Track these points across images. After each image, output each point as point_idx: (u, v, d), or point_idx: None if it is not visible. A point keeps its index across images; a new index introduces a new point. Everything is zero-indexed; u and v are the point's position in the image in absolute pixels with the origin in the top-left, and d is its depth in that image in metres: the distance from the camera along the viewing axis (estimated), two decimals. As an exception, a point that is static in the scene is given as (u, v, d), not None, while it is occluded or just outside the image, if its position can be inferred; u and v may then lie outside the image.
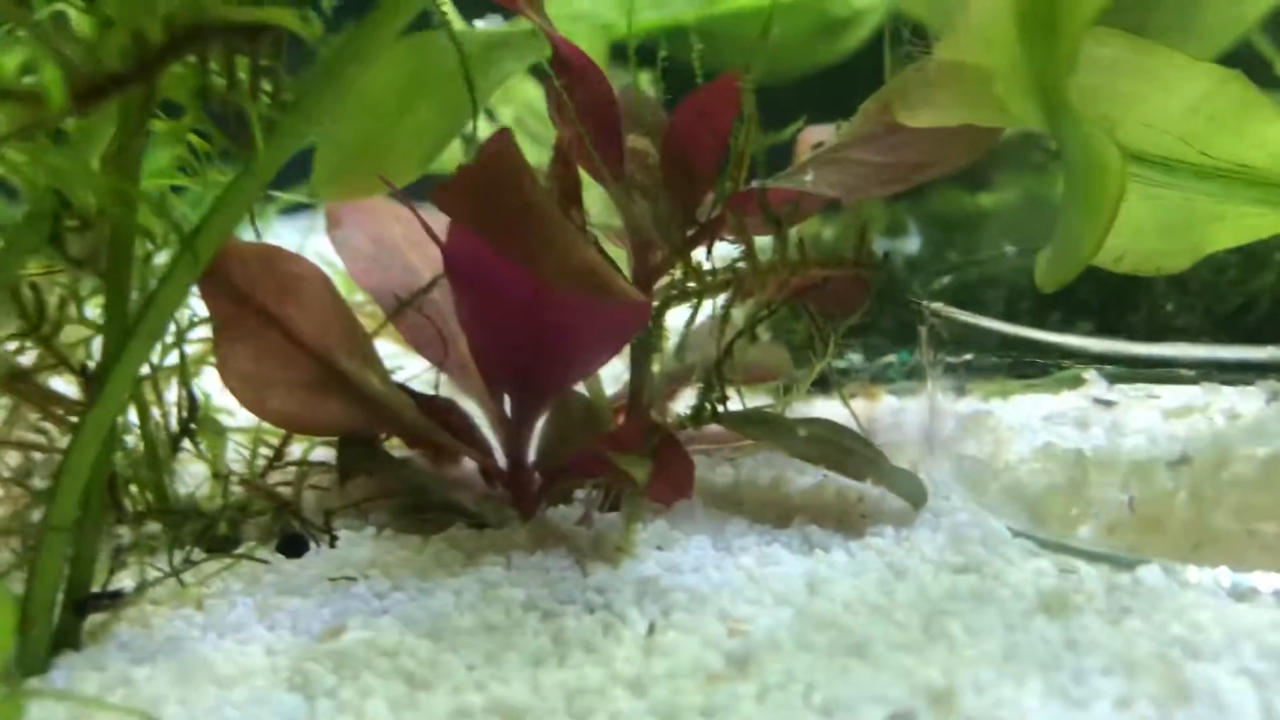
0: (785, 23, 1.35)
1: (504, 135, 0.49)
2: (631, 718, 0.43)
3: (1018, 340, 0.57)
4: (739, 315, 0.66)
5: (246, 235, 0.65)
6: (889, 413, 0.76)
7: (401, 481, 0.65)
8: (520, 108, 1.03)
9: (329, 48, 0.47)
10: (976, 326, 0.60)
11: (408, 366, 0.72)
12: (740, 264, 0.62)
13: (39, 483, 0.59)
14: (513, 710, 0.44)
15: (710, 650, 0.47)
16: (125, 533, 0.60)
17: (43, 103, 0.38)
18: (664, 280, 0.65)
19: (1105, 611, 0.48)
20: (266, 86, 0.50)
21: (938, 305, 0.59)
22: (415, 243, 0.77)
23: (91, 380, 0.54)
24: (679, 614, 0.50)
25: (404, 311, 0.70)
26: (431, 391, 0.68)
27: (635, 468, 0.54)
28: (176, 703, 0.46)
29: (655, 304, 0.63)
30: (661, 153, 0.63)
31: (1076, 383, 0.72)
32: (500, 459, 0.66)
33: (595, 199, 0.68)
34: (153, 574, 0.56)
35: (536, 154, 1.16)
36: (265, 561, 0.58)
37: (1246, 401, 0.61)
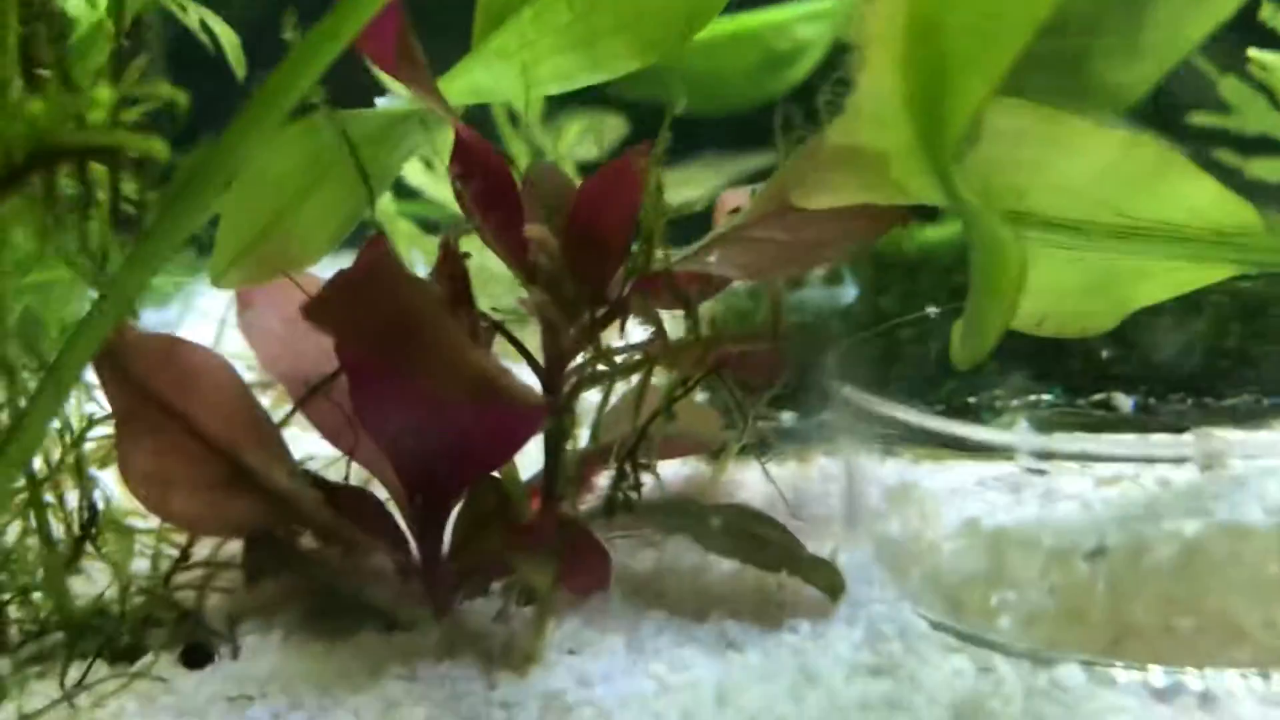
0: (727, 57, 1.34)
1: (379, 242, 0.47)
2: None
3: (930, 433, 0.55)
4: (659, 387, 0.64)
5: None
6: (820, 479, 0.74)
7: (311, 580, 0.63)
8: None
9: (183, 168, 0.45)
10: (888, 417, 0.58)
11: (324, 450, 0.70)
12: (651, 344, 0.60)
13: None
14: None
15: (610, 777, 0.45)
16: (5, 664, 0.58)
17: None
18: (578, 359, 0.64)
19: (1022, 719, 0.46)
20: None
21: (848, 390, 0.58)
22: (330, 320, 0.75)
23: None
24: (583, 734, 0.48)
25: (314, 398, 0.68)
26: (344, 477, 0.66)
27: (539, 573, 0.52)
28: None
29: (566, 389, 0.61)
30: (567, 234, 0.61)
31: (1009, 452, 0.70)
32: (414, 553, 0.64)
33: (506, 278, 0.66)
34: (40, 702, 0.54)
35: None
36: (163, 680, 0.56)
37: (1179, 471, 0.60)
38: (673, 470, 0.75)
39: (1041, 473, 0.66)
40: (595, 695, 0.51)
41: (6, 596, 0.59)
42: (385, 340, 0.47)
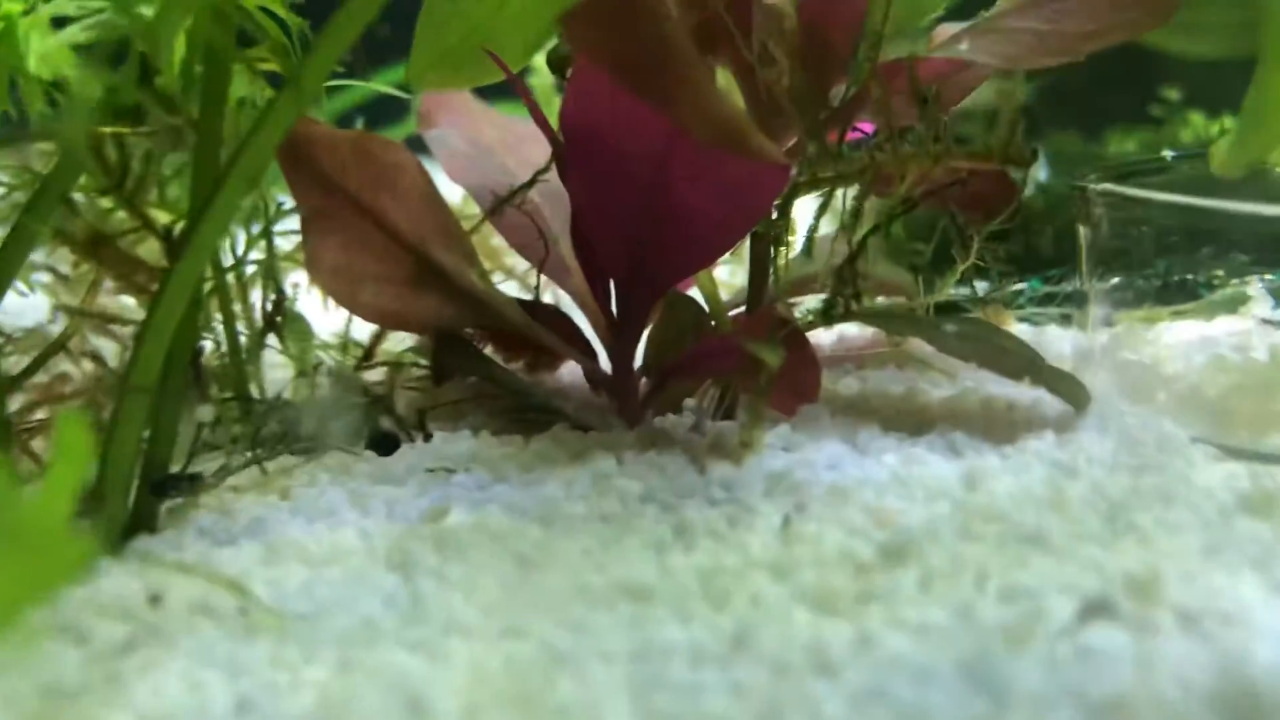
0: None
1: (638, -34, 0.44)
2: (778, 603, 0.38)
3: (1200, 213, 0.50)
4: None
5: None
6: (1023, 336, 0.70)
7: (500, 384, 0.60)
8: None
9: None
10: (1153, 203, 0.53)
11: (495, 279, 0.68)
12: (878, 150, 0.56)
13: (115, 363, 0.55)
14: (640, 589, 0.39)
15: (858, 539, 0.41)
16: (208, 415, 0.56)
17: None
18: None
19: (1318, 514, 0.41)
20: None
21: (1107, 185, 0.53)
22: (512, 147, 0.72)
23: (178, 242, 0.50)
24: (817, 506, 0.44)
25: (502, 211, 0.65)
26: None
27: (768, 352, 0.48)
28: (264, 582, 0.42)
29: (783, 192, 0.57)
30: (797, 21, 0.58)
31: (1236, 303, 0.65)
32: (605, 364, 0.61)
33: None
34: (237, 461, 0.52)
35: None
36: (355, 453, 0.53)
37: None
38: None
39: (1277, 324, 0.61)
40: (824, 478, 0.47)
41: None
42: (637, 64, 0.44)
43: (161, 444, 0.49)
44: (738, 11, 0.56)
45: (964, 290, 0.77)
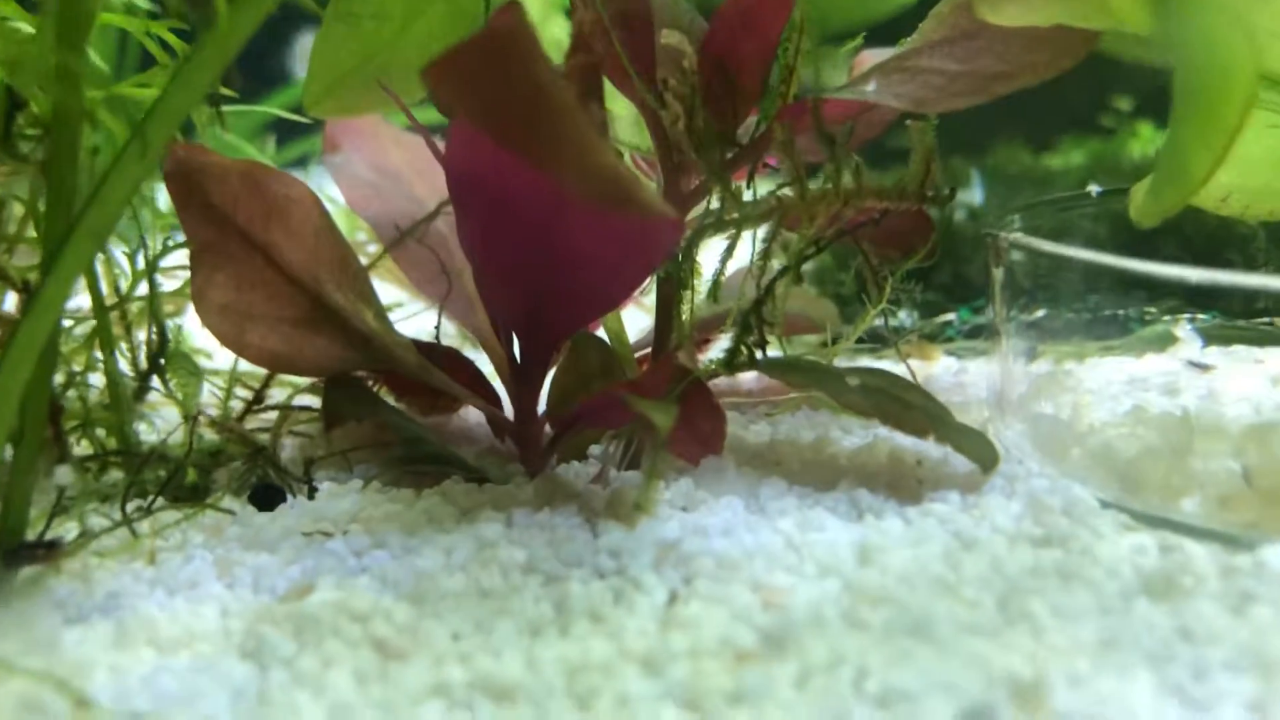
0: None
1: (515, 7, 0.41)
2: (643, 702, 0.35)
3: (1100, 283, 0.48)
4: (781, 258, 0.58)
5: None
6: (948, 373, 0.68)
7: (394, 430, 0.57)
8: (547, 47, 0.95)
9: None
10: (1057, 267, 0.52)
11: (406, 308, 0.65)
12: (786, 191, 0.54)
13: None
14: (501, 688, 0.36)
15: (741, 624, 0.39)
16: (69, 474, 0.53)
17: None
18: (698, 209, 0.58)
19: (1223, 597, 0.39)
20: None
21: (1017, 235, 0.51)
22: (420, 171, 0.69)
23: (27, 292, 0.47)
24: (704, 582, 0.42)
25: (404, 244, 0.63)
26: (433, 335, 0.61)
27: (658, 413, 0.46)
28: (107, 669, 0.39)
29: (687, 235, 0.55)
30: (699, 63, 0.55)
31: (1165, 342, 0.63)
32: (507, 409, 0.58)
33: (618, 118, 0.60)
34: (103, 523, 0.49)
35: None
36: (230, 512, 0.51)
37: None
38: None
39: (1205, 367, 0.59)
40: (715, 546, 0.45)
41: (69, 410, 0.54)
42: (512, 118, 0.41)
43: (15, 509, 0.46)
44: (638, 48, 0.53)
45: (891, 321, 0.75)
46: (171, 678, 0.38)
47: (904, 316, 0.74)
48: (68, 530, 0.49)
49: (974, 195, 0.82)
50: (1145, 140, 1.12)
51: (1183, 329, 0.61)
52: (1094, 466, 0.49)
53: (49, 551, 0.46)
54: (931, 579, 0.41)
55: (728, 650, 0.38)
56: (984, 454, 0.49)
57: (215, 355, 0.63)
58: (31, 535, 0.46)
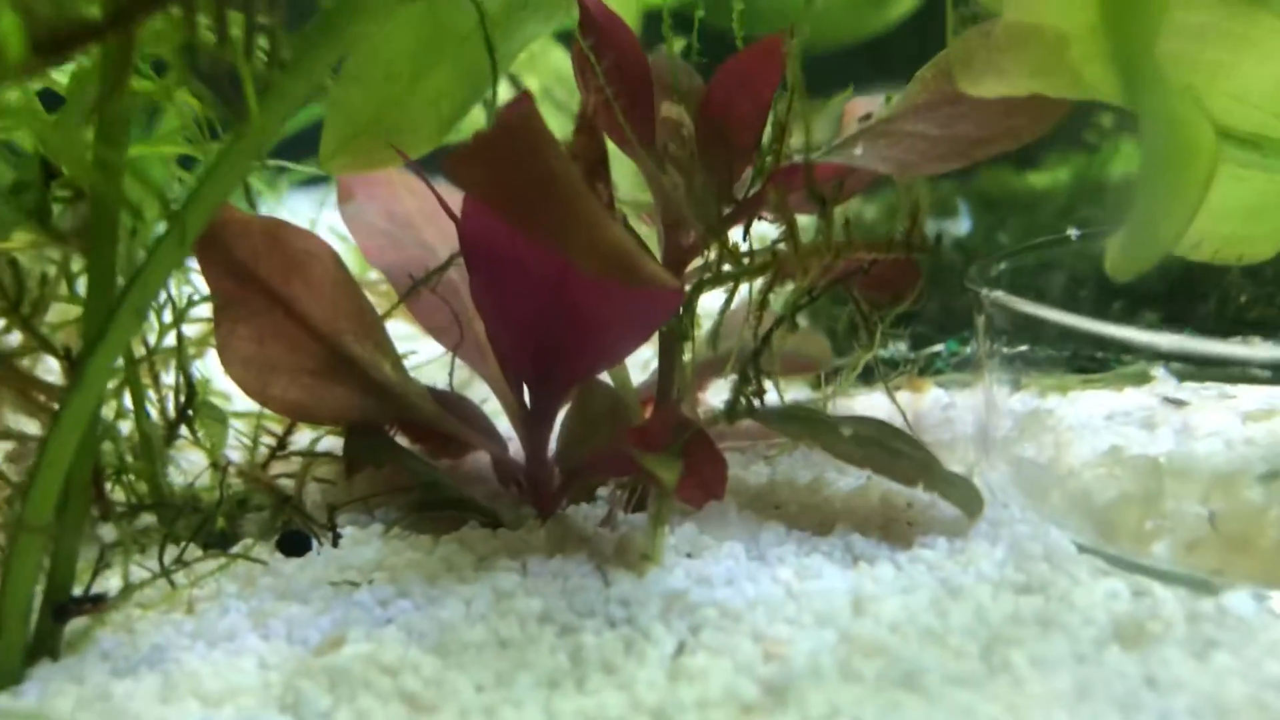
0: (831, -11, 1.29)
1: (525, 100, 0.44)
2: (656, 755, 0.38)
3: (1079, 334, 0.51)
4: (777, 300, 0.61)
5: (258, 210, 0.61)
6: (937, 408, 0.71)
7: (412, 475, 0.61)
8: (546, 76, 0.98)
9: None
10: (1036, 318, 0.55)
11: (421, 350, 0.68)
12: (780, 245, 0.57)
13: (16, 476, 0.55)
14: (524, 743, 0.39)
15: (744, 677, 0.42)
16: (111, 530, 0.56)
17: (-2, 55, 0.34)
18: (697, 262, 0.61)
19: (1188, 643, 0.43)
20: (263, 43, 0.45)
21: (997, 294, 0.54)
22: (430, 217, 0.72)
23: (74, 365, 0.50)
24: (709, 632, 0.45)
25: (418, 292, 0.66)
26: (446, 379, 0.64)
27: (663, 469, 0.49)
28: (158, 722, 0.42)
29: (687, 288, 0.58)
30: (697, 123, 0.58)
31: (1142, 379, 0.67)
32: (517, 453, 0.61)
33: (623, 173, 0.63)
34: (141, 574, 0.52)
35: (563, 125, 1.11)
36: (263, 563, 0.54)
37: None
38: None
39: (1180, 404, 0.62)
40: (719, 596, 0.48)
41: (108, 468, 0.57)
42: (525, 203, 0.44)
43: (62, 567, 0.49)
44: (640, 116, 0.56)
45: (883, 352, 0.78)
46: (218, 732, 0.41)
47: (893, 348, 0.77)
48: (107, 580, 0.52)
49: (961, 225, 0.85)
50: (1127, 157, 1.15)
51: (1158, 369, 0.64)
52: (1072, 511, 0.52)
53: (95, 605, 0.50)
54: (921, 629, 0.44)
55: (733, 702, 0.41)
56: (969, 502, 0.52)
57: (234, 398, 0.66)
58: (78, 589, 0.50)
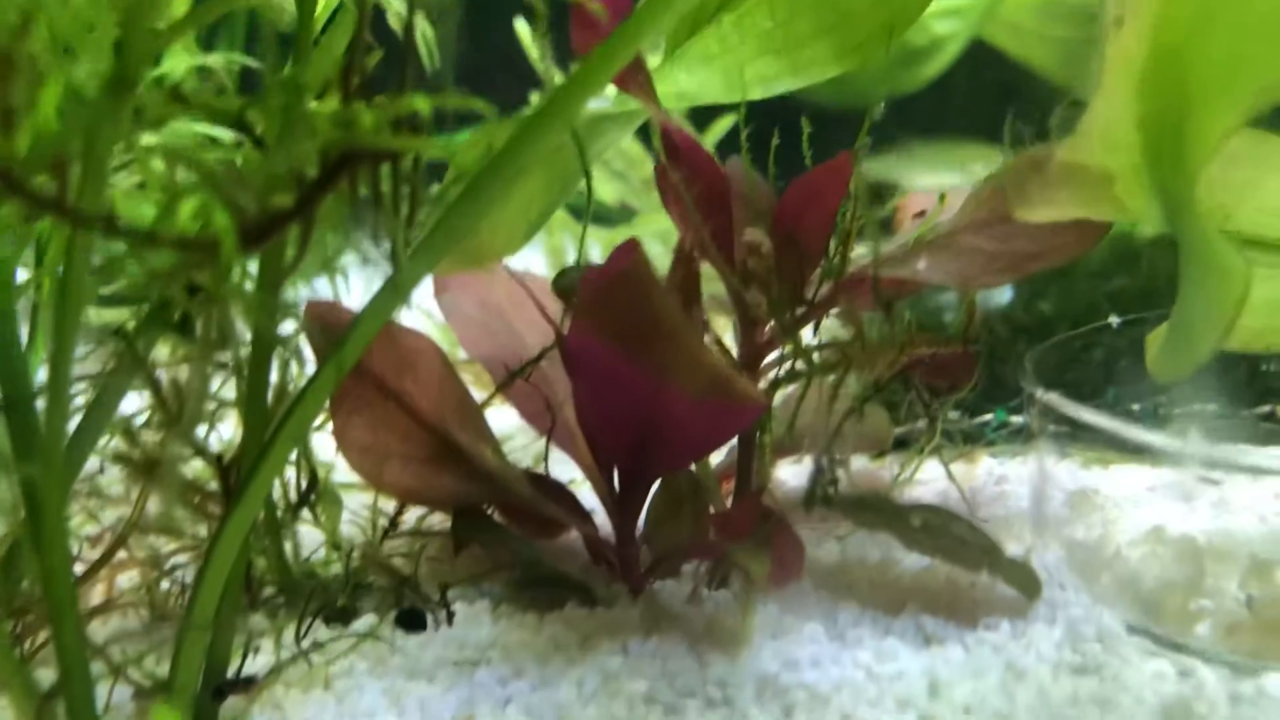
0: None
1: (633, 247, 0.50)
2: (766, 832, 0.44)
3: (1123, 441, 0.57)
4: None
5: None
6: (990, 480, 0.76)
7: (513, 554, 0.67)
8: (621, 154, 1.04)
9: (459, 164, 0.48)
10: (1083, 422, 0.60)
11: (515, 437, 0.74)
12: (849, 343, 0.63)
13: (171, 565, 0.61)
14: (649, 822, 0.45)
15: (836, 758, 0.48)
16: (261, 625, 0.62)
17: (216, 249, 0.40)
18: (772, 355, 0.66)
19: (1230, 723, 0.48)
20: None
21: (1051, 396, 0.60)
22: (518, 304, 0.78)
23: (226, 472, 0.56)
24: (801, 715, 0.51)
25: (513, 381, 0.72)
26: (540, 457, 0.70)
27: (753, 561, 0.55)
28: (321, 799, 0.48)
29: (764, 384, 0.64)
30: (773, 230, 0.64)
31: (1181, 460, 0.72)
32: (603, 526, 0.67)
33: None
34: (282, 654, 0.58)
35: (618, 190, 1.17)
36: (390, 643, 0.60)
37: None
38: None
39: (1214, 482, 0.68)
40: (807, 679, 0.54)
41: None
42: (636, 341, 0.50)
43: (220, 652, 0.55)
44: (721, 232, 0.62)
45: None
46: (376, 808, 0.47)
47: (948, 415, 0.83)
48: (253, 661, 0.58)
49: (1003, 295, 0.91)
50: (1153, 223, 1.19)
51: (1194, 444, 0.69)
52: (1121, 592, 0.58)
53: (248, 686, 0.56)
54: (991, 712, 0.50)
55: (827, 780, 0.47)
56: (1028, 585, 0.58)
57: (338, 468, 0.72)
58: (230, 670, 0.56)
